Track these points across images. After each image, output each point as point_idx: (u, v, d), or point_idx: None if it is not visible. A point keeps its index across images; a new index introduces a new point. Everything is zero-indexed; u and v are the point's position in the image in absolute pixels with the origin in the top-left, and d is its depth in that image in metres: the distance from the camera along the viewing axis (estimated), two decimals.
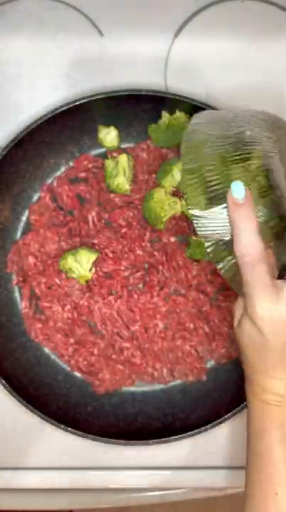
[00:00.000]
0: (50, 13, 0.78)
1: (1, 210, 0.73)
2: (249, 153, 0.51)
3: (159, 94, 0.71)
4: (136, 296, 0.73)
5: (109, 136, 0.74)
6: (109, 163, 0.73)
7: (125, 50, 0.78)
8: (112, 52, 0.78)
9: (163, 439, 0.68)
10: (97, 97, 0.70)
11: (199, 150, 0.52)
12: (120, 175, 0.72)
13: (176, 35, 0.78)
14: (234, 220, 0.49)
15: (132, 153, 0.75)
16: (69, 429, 0.67)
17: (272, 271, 0.50)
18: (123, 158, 0.72)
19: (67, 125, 0.73)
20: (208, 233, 0.50)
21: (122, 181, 0.72)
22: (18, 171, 0.74)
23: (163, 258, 0.74)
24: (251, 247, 0.49)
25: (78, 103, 0.70)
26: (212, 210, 0.50)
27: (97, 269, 0.73)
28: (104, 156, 0.76)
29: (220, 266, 0.51)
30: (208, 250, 0.51)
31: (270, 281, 0.48)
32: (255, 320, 0.49)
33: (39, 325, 0.73)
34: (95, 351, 0.73)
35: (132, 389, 0.74)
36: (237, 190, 0.49)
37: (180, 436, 0.68)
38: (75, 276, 0.70)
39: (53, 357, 0.74)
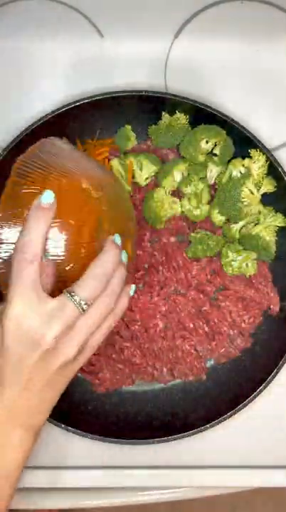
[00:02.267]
0: (50, 14, 0.78)
1: None
2: None
3: (159, 95, 0.71)
4: (136, 295, 0.73)
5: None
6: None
7: (125, 51, 0.78)
8: (112, 53, 0.78)
9: (163, 439, 0.68)
10: (97, 98, 0.70)
11: None
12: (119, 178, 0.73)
13: (175, 36, 0.79)
14: (29, 219, 0.48)
15: (132, 153, 0.75)
16: (69, 428, 0.67)
17: (46, 283, 0.49)
18: (115, 162, 0.73)
19: (68, 126, 0.73)
20: None
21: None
22: None
23: (163, 258, 0.74)
24: (32, 245, 0.47)
25: (78, 104, 0.70)
26: None
27: None
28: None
29: None
30: None
31: (36, 287, 0.47)
32: (2, 321, 0.46)
33: None
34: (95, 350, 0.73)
35: (132, 388, 0.74)
36: (48, 196, 0.49)
37: (180, 435, 0.68)
38: None
39: None
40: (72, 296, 0.48)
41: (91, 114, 0.73)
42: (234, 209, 0.70)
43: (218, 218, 0.73)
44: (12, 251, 0.50)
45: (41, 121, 0.70)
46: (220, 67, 0.79)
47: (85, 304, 0.48)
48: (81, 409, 0.72)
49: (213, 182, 0.74)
